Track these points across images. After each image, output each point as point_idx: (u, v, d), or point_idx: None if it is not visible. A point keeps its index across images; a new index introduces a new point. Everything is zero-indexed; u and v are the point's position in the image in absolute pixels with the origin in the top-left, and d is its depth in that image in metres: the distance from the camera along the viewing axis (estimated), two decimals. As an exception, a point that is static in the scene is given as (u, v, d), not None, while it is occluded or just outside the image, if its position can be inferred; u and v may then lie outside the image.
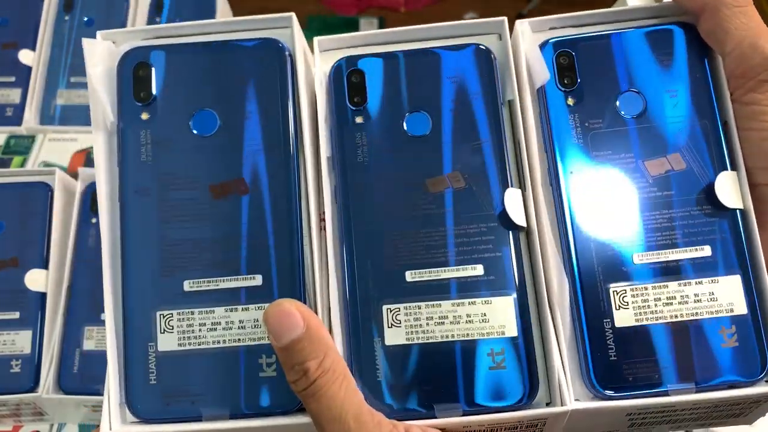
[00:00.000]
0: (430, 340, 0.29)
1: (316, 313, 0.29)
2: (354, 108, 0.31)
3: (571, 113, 0.31)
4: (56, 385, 0.47)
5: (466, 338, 0.29)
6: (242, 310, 0.29)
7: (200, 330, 0.29)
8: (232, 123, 0.31)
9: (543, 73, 0.31)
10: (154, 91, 0.31)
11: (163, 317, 0.29)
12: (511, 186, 0.30)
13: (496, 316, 0.29)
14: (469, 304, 0.29)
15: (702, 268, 0.29)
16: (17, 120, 0.68)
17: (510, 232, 0.30)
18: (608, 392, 0.28)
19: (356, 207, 0.30)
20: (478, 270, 0.29)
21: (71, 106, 0.68)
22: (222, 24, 0.32)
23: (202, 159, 0.30)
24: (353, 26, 1.93)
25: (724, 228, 0.29)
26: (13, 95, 0.68)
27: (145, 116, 0.31)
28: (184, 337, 0.29)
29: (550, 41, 0.32)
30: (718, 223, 0.29)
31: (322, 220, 0.31)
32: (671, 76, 0.31)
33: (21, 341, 0.48)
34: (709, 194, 0.30)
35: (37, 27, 0.70)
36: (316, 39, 0.33)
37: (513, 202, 0.30)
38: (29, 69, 0.69)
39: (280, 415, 0.29)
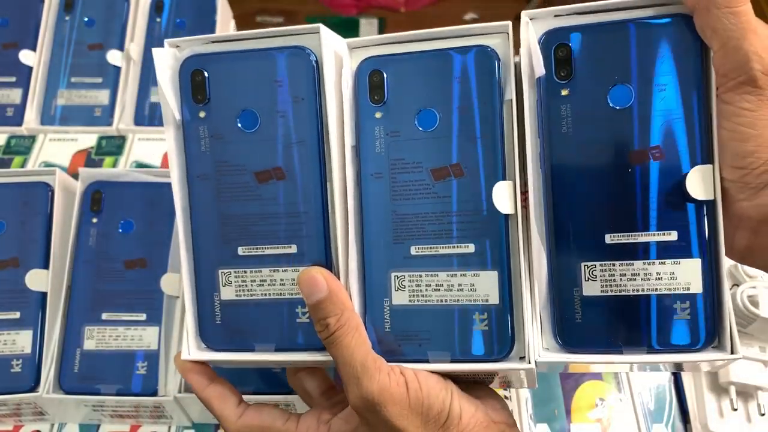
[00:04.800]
0: (428, 303, 0.35)
1: (338, 277, 0.35)
2: (374, 105, 0.36)
3: (564, 104, 0.33)
4: (57, 385, 0.47)
5: (457, 303, 0.35)
6: (282, 271, 0.37)
7: (251, 284, 0.37)
8: (270, 120, 0.36)
9: (539, 68, 0.34)
10: (208, 93, 0.37)
11: (224, 274, 0.37)
12: (503, 178, 0.34)
13: (483, 287, 0.35)
14: (461, 275, 0.35)
15: (667, 251, 0.33)
16: (18, 120, 0.68)
17: (498, 217, 0.34)
18: (573, 348, 0.34)
19: (374, 191, 0.36)
20: (471, 248, 0.35)
21: (72, 106, 0.68)
22: (264, 32, 0.37)
23: (248, 150, 0.36)
24: (353, 26, 1.93)
25: (692, 216, 0.32)
26: (14, 95, 0.68)
27: (202, 114, 0.37)
28: (239, 290, 0.37)
29: (549, 33, 0.34)
30: (687, 211, 0.32)
31: (346, 197, 0.36)
32: (664, 68, 0.32)
33: (21, 341, 0.48)
34: (681, 185, 0.32)
35: (38, 27, 0.70)
36: (346, 41, 0.37)
37: (501, 193, 0.34)
38: (30, 69, 0.69)
39: (310, 351, 0.36)
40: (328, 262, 0.36)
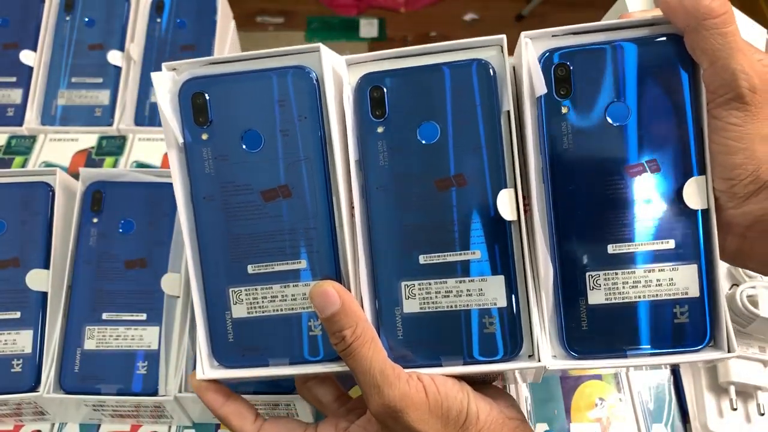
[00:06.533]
0: (438, 309, 0.36)
1: (349, 289, 0.36)
2: (376, 120, 0.36)
3: (563, 121, 0.35)
4: (57, 385, 0.47)
5: (465, 308, 0.36)
6: (293, 286, 0.37)
7: (263, 301, 0.37)
8: (274, 140, 0.37)
9: (541, 87, 0.34)
10: (210, 115, 0.37)
11: (234, 293, 0.37)
12: (505, 186, 0.35)
13: (490, 291, 0.36)
14: (468, 281, 0.36)
15: (665, 258, 0.34)
16: (18, 120, 0.68)
17: (503, 224, 0.36)
18: (579, 354, 0.35)
19: (379, 202, 0.36)
20: (477, 254, 0.36)
21: (72, 106, 0.68)
22: (263, 53, 0.37)
23: (253, 170, 0.37)
24: (353, 26, 1.93)
25: (688, 225, 0.34)
26: (14, 95, 0.68)
27: (205, 136, 0.37)
28: (251, 307, 0.37)
29: (549, 53, 0.35)
30: (683, 220, 0.34)
31: (352, 210, 0.37)
32: (659, 85, 0.33)
33: (22, 341, 0.48)
34: (677, 195, 0.34)
35: (38, 27, 0.70)
36: (344, 58, 0.38)
37: (505, 200, 0.35)
38: (30, 69, 0.69)
39: (325, 362, 0.37)
40: (338, 275, 0.37)
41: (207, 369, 0.38)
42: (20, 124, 0.68)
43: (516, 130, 0.35)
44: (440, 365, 0.36)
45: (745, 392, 0.48)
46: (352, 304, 0.34)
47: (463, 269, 0.36)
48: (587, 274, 0.35)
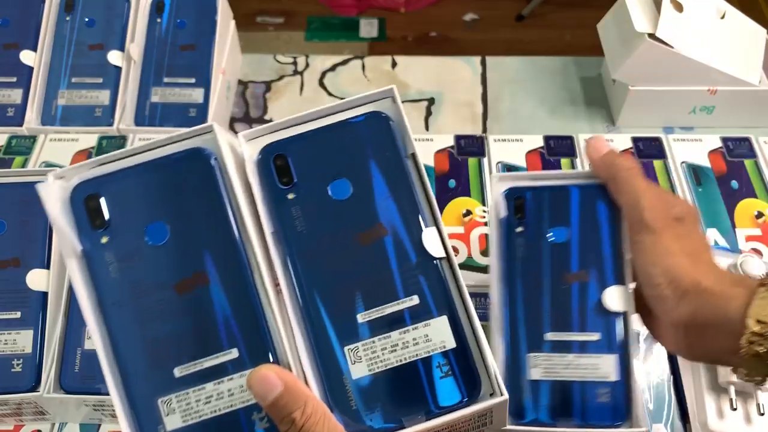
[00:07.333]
0: (388, 367, 0.35)
1: (289, 368, 0.34)
2: (284, 187, 0.36)
3: (519, 237, 0.44)
4: (57, 385, 0.47)
5: (416, 358, 0.35)
6: (228, 381, 0.34)
7: (197, 405, 0.34)
8: (181, 229, 0.35)
9: (503, 211, 0.44)
10: (107, 217, 0.35)
11: (164, 402, 0.34)
12: (426, 226, 0.36)
13: (437, 335, 0.35)
14: (413, 329, 0.35)
15: (592, 347, 0.40)
16: (19, 120, 0.68)
17: (433, 263, 0.36)
18: (523, 422, 0.41)
19: (304, 270, 0.35)
20: (415, 300, 0.35)
21: (72, 106, 0.68)
22: (154, 142, 0.36)
23: (163, 264, 0.34)
24: (353, 26, 1.93)
25: (610, 323, 0.40)
26: (15, 96, 0.68)
27: (104, 240, 0.35)
28: (186, 415, 0.34)
29: (510, 189, 0.44)
30: (607, 319, 0.40)
31: (277, 285, 0.35)
32: (596, 217, 0.42)
33: (22, 341, 0.48)
34: (601, 299, 0.41)
35: (38, 28, 0.70)
36: (240, 134, 0.37)
37: (430, 239, 0.35)
38: (30, 69, 0.69)
39: None
40: (275, 356, 0.34)
41: None
42: (20, 124, 0.68)
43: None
44: (403, 426, 0.34)
45: (745, 392, 0.48)
46: (296, 384, 0.32)
47: (404, 318, 0.35)
48: (527, 355, 0.41)
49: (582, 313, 0.41)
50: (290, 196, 0.36)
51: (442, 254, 0.36)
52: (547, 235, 0.43)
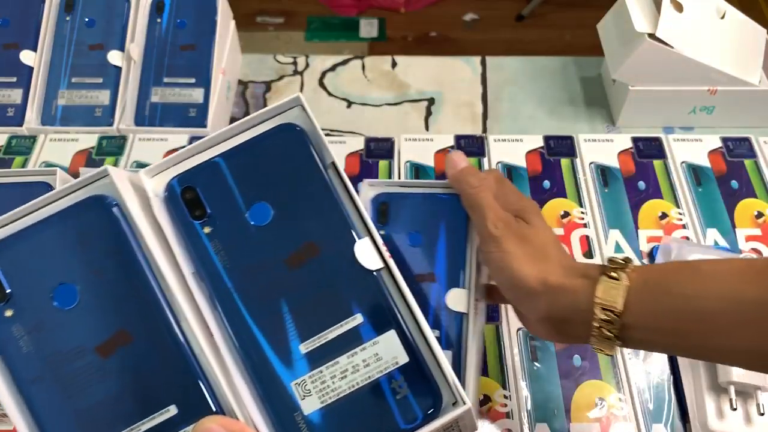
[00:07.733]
0: (341, 395, 0.32)
1: (234, 416, 0.32)
2: (198, 221, 0.34)
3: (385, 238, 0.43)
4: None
5: (369, 381, 0.33)
6: None
7: None
8: (91, 288, 0.32)
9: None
10: (6, 287, 0.32)
11: None
12: (359, 238, 0.34)
13: (387, 352, 0.33)
14: (361, 350, 0.33)
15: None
16: (19, 120, 0.68)
17: (372, 276, 0.33)
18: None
19: (234, 307, 0.33)
20: (358, 319, 0.33)
21: (72, 106, 0.68)
22: (50, 195, 0.33)
23: (78, 327, 0.32)
24: (353, 26, 1.93)
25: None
26: (15, 96, 0.68)
27: (9, 313, 0.32)
28: None
29: (380, 194, 0.44)
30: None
31: (207, 329, 0.33)
32: (445, 223, 0.43)
33: None
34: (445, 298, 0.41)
35: (38, 28, 0.70)
36: (141, 171, 0.35)
37: (363, 251, 0.33)
38: (30, 69, 0.69)
39: None
40: (217, 406, 0.32)
41: None
42: (20, 124, 0.68)
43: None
44: None
45: (745, 392, 0.48)
46: (245, 430, 0.31)
47: (349, 340, 0.33)
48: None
49: (426, 311, 0.41)
50: (206, 230, 0.34)
51: (380, 265, 0.34)
52: (408, 239, 0.43)
